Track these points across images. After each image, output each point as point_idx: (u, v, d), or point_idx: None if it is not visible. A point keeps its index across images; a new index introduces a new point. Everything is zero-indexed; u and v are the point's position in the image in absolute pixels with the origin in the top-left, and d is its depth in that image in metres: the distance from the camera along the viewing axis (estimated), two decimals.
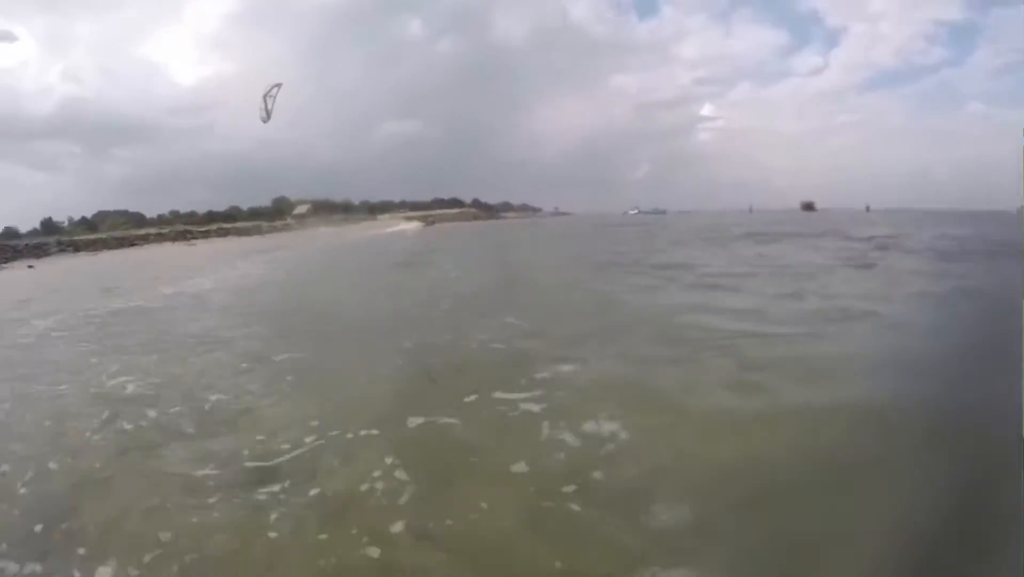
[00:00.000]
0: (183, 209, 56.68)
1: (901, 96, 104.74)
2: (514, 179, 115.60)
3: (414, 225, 53.73)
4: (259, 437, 3.41)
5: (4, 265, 28.35)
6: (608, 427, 3.23)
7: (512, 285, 9.83)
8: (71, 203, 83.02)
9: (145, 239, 36.35)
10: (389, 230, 47.22)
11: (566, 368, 4.32)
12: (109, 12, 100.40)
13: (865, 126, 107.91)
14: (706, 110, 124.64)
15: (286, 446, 3.26)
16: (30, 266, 26.83)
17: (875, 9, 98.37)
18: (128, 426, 3.73)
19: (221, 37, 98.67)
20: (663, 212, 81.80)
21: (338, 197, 64.33)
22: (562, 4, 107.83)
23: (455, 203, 75.94)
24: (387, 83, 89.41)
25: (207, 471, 3.05)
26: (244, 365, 5.01)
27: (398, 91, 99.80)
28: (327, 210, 58.26)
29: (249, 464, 3.10)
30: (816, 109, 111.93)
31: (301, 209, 57.37)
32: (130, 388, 4.51)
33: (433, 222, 58.59)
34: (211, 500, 2.77)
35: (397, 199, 72.29)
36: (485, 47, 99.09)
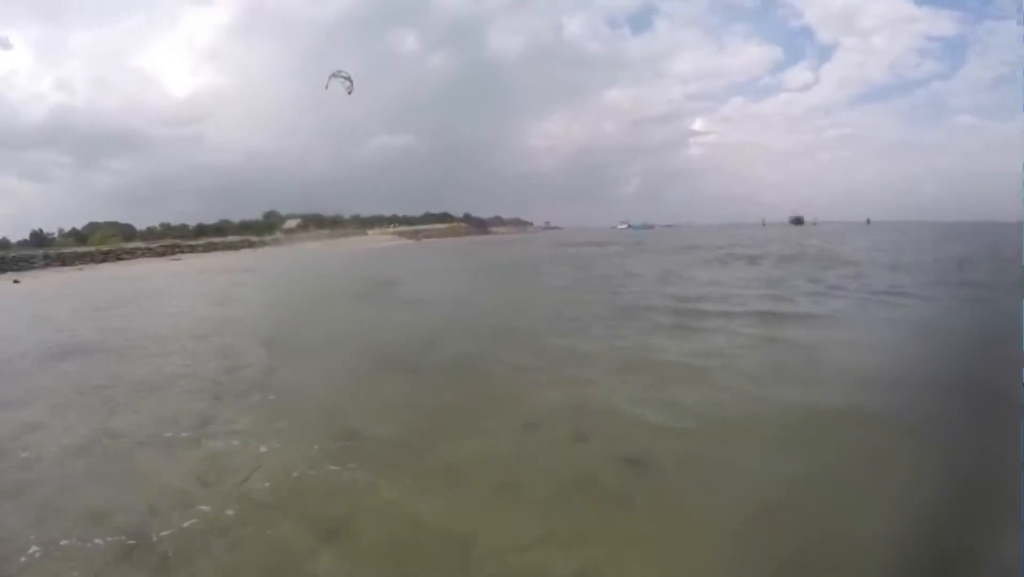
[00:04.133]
0: (173, 221, 57.03)
1: (892, 110, 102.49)
2: (506, 194, 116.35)
3: (402, 242, 54.05)
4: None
5: None
6: None
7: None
8: (62, 214, 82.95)
9: (132, 253, 37.08)
10: (380, 246, 47.79)
11: None
12: (105, 22, 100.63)
13: (856, 140, 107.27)
14: (698, 125, 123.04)
15: None
16: (15, 281, 27.00)
17: (867, 24, 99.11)
18: None
19: (214, 49, 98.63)
20: (651, 227, 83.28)
21: (328, 211, 65.14)
22: (557, 20, 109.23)
23: (446, 217, 76.96)
24: (380, 97, 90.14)
25: None
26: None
27: (391, 105, 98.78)
28: (317, 225, 59.16)
29: None
30: (807, 123, 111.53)
31: (291, 223, 58.36)
32: None
33: (422, 238, 59.04)
34: None
35: (388, 213, 73.24)
36: (479, 62, 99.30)
